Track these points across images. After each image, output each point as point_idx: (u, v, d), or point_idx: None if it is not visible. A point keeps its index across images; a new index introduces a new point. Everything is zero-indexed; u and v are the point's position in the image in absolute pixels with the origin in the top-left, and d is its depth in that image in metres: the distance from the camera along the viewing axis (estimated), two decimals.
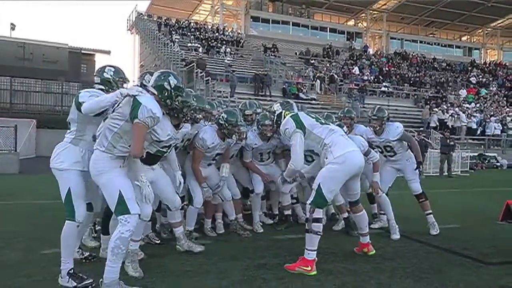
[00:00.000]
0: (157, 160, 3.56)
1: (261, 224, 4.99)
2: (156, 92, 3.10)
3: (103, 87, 3.37)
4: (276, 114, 4.21)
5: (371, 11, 37.47)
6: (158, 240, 4.25)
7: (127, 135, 2.91)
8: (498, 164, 18.95)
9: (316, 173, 3.73)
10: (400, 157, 4.95)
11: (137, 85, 3.88)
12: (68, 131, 3.30)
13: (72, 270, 3.06)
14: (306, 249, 3.50)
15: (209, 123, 4.44)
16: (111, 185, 2.91)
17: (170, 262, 3.65)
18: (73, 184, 3.12)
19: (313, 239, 3.51)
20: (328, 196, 3.58)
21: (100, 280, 2.87)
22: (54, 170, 3.20)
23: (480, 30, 41.46)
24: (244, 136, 4.55)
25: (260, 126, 4.73)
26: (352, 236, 4.66)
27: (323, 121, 3.88)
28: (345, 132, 4.37)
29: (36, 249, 3.96)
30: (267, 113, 4.88)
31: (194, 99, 3.72)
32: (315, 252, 3.49)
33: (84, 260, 3.55)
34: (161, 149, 3.45)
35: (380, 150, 4.97)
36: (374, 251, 3.98)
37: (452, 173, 14.27)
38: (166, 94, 3.12)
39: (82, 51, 27.12)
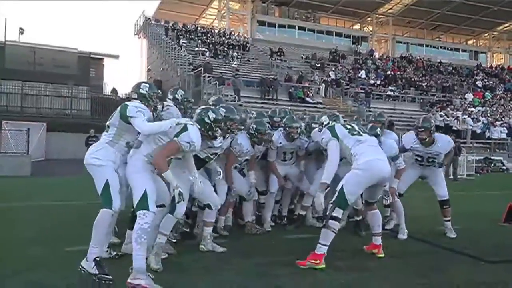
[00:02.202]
0: (203, 165, 4.07)
1: (272, 224, 5.21)
2: (198, 126, 3.58)
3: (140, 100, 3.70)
4: (323, 125, 4.51)
5: (377, 15, 37.59)
6: (174, 239, 4.47)
7: None
8: (504, 167, 18.97)
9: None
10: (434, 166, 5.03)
11: (169, 99, 4.56)
12: (106, 132, 3.63)
13: (98, 258, 3.30)
14: (319, 243, 3.72)
15: (242, 130, 4.77)
16: (141, 182, 3.33)
17: (186, 260, 3.86)
18: (110, 177, 3.43)
19: (328, 235, 3.73)
20: (349, 198, 3.80)
21: (130, 267, 3.14)
22: (90, 166, 3.50)
23: (486, 34, 41.39)
24: (271, 144, 4.99)
25: (287, 128, 5.01)
26: (360, 236, 4.86)
27: (355, 132, 4.08)
28: (379, 134, 4.62)
29: (61, 246, 4.18)
30: (293, 116, 5.33)
31: (237, 114, 4.32)
32: (326, 248, 3.70)
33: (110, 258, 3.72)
34: (210, 155, 3.98)
35: (419, 159, 4.99)
36: (383, 255, 4.11)
37: (458, 177, 14.37)
38: (207, 127, 3.65)
39: (91, 56, 27.46)
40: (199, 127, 3.57)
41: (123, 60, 69.69)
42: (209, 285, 3.29)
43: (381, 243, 4.17)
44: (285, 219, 5.45)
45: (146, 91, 3.74)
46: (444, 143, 4.88)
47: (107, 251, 3.75)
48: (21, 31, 28.04)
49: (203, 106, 3.87)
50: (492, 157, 19.48)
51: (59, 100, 21.71)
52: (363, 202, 4.61)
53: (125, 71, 47.23)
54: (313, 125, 5.13)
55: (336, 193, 3.83)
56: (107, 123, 3.67)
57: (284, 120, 5.18)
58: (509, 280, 3.48)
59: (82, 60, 25.35)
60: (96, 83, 26.74)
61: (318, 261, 3.65)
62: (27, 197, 8.00)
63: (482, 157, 18.82)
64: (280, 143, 5.05)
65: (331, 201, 3.84)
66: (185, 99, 4.69)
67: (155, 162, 3.34)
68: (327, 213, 3.83)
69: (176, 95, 4.65)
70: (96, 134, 13.85)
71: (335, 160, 3.95)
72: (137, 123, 3.43)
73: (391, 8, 36.32)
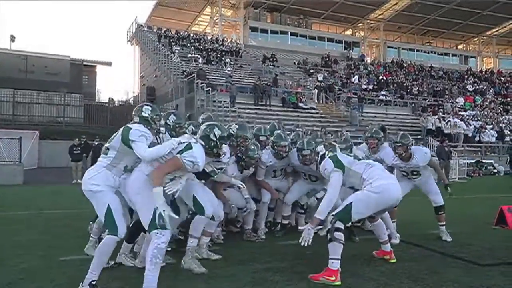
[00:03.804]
0: (207, 178, 4.00)
1: (266, 230, 5.23)
2: (203, 143, 3.47)
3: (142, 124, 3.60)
4: (319, 155, 4.44)
5: (368, 21, 38.00)
6: (169, 248, 4.46)
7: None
8: (495, 170, 19.21)
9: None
10: (422, 176, 5.12)
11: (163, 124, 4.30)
12: (105, 155, 3.52)
13: (94, 282, 3.19)
14: (330, 258, 3.58)
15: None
16: (147, 203, 3.16)
17: (181, 268, 3.83)
18: (110, 201, 3.34)
19: (336, 249, 3.60)
20: (354, 216, 3.72)
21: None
22: (88, 192, 3.41)
23: (476, 39, 42.00)
24: (260, 163, 5.01)
25: (276, 147, 4.98)
26: (354, 242, 4.89)
27: (360, 158, 4.09)
28: (369, 153, 4.75)
29: (56, 256, 4.17)
30: (281, 134, 5.19)
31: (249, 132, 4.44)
32: (339, 262, 3.57)
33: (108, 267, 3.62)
34: (216, 170, 3.90)
35: (405, 174, 5.10)
36: (395, 260, 4.14)
37: (450, 180, 14.48)
38: (212, 144, 3.53)
39: (84, 63, 27.42)
40: (203, 143, 3.47)
41: (116, 67, 69.62)
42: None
43: (392, 249, 4.19)
44: (279, 226, 5.47)
45: (149, 114, 3.64)
46: (420, 156, 4.95)
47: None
48: (12, 38, 27.96)
49: (208, 123, 3.72)
50: (483, 160, 19.70)
51: (51, 107, 21.62)
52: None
53: (118, 78, 47.04)
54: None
55: (342, 207, 3.73)
56: (107, 145, 3.57)
57: (272, 138, 5.14)
58: (502, 283, 3.53)
59: (74, 67, 25.28)
60: (89, 90, 26.72)
61: (334, 278, 3.49)
62: (20, 206, 7.95)
63: (473, 161, 19.03)
64: (271, 161, 5.04)
65: (333, 213, 3.74)
66: (177, 125, 4.43)
67: (152, 174, 3.19)
68: (329, 227, 3.70)
69: (168, 121, 4.41)
70: (82, 141, 13.80)
71: (334, 196, 3.80)
72: (139, 149, 3.34)
73: (382, 14, 36.77)
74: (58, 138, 18.53)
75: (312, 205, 5.05)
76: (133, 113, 3.73)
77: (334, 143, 4.81)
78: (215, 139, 3.53)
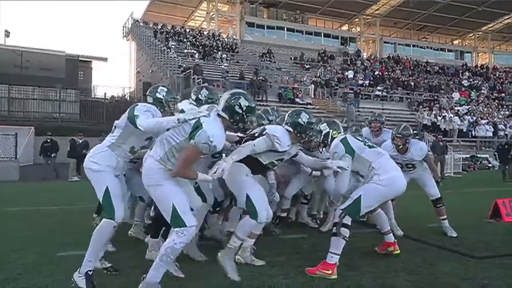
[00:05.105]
0: (265, 172, 3.72)
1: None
2: (227, 116, 3.03)
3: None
4: (323, 134, 4.25)
5: (364, 16, 37.95)
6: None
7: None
8: (490, 165, 19.35)
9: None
10: (417, 169, 5.13)
11: (192, 99, 4.11)
12: (111, 134, 3.36)
13: (91, 272, 3.08)
14: (330, 252, 3.57)
15: None
16: (164, 199, 2.94)
17: (176, 261, 3.85)
18: (110, 183, 3.15)
19: (339, 244, 3.58)
20: (364, 210, 3.67)
21: (143, 275, 2.94)
22: (87, 170, 3.25)
23: (471, 34, 42.08)
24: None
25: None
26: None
27: (370, 144, 3.95)
28: (372, 136, 4.69)
29: (53, 251, 4.17)
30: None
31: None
32: (338, 257, 3.56)
33: (104, 271, 3.48)
34: (274, 161, 3.65)
35: (400, 166, 4.91)
36: (399, 251, 4.11)
37: (445, 175, 14.60)
38: (237, 117, 3.04)
39: (79, 58, 27.22)
40: (226, 116, 3.02)
41: (112, 63, 69.15)
42: (201, 286, 3.31)
43: (395, 240, 4.16)
44: (277, 219, 5.49)
45: (163, 96, 3.49)
46: (416, 151, 4.96)
47: (100, 260, 3.48)
48: (7, 33, 27.70)
49: (232, 91, 3.23)
50: (478, 155, 19.84)
51: (47, 103, 21.49)
52: None
53: (114, 74, 46.76)
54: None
55: (351, 201, 3.65)
56: (114, 124, 3.39)
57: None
58: (496, 275, 3.58)
59: (70, 63, 25.08)
60: (85, 86, 26.55)
61: (330, 271, 3.49)
62: (16, 202, 7.94)
63: (468, 155, 19.16)
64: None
65: (342, 208, 3.69)
66: (210, 100, 4.05)
67: (181, 176, 2.91)
68: (337, 221, 3.63)
69: (200, 95, 4.11)
70: (53, 138, 13.74)
71: (346, 180, 3.74)
72: (139, 119, 3.11)
73: (378, 9, 36.72)
74: (54, 134, 18.44)
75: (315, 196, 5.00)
76: (147, 93, 3.58)
77: (337, 121, 4.65)
78: (241, 111, 3.03)
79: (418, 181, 5.23)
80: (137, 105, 3.31)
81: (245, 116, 3.05)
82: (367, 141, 4.07)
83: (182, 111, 3.72)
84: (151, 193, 3.02)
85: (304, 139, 3.65)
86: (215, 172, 3.00)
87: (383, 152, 3.91)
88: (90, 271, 3.09)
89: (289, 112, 3.72)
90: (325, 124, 4.40)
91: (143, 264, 3.48)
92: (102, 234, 3.12)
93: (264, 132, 3.58)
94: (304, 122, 3.56)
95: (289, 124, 3.58)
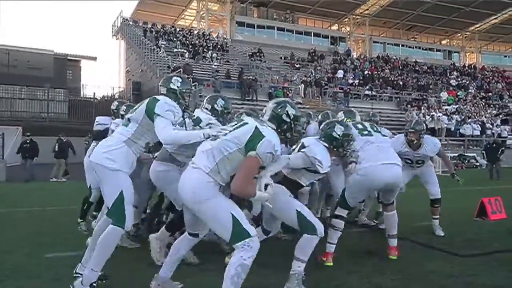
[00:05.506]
0: (295, 191, 3.40)
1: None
2: (274, 126, 2.80)
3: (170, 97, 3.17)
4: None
5: (354, 16, 38.18)
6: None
7: (235, 164, 2.59)
8: (478, 164, 19.62)
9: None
10: (423, 165, 5.11)
11: (206, 109, 3.84)
12: (126, 127, 3.04)
13: (95, 284, 2.86)
14: (327, 242, 3.83)
15: None
16: (222, 212, 2.56)
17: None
18: (125, 187, 2.88)
19: (332, 235, 3.84)
20: (349, 200, 3.87)
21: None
22: (100, 167, 2.90)
23: (459, 34, 42.58)
24: None
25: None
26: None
27: (365, 132, 3.89)
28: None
29: (41, 253, 4.14)
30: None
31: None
32: (334, 246, 3.85)
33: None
34: (315, 181, 3.70)
35: (409, 162, 4.97)
36: (395, 256, 4.08)
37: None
38: (285, 127, 2.84)
39: (68, 58, 27.00)
40: (273, 127, 2.79)
41: (101, 62, 68.57)
42: (195, 285, 3.32)
43: (395, 245, 4.14)
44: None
45: (178, 87, 3.21)
46: (431, 146, 4.90)
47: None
48: None
49: (278, 99, 3.02)
50: (466, 154, 20.09)
51: (35, 103, 21.29)
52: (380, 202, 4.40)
53: (103, 73, 46.37)
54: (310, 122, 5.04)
55: (340, 194, 3.95)
56: (127, 116, 3.10)
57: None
58: (482, 273, 3.65)
59: (58, 62, 24.90)
60: (73, 85, 26.32)
61: (325, 259, 3.84)
62: (3, 203, 7.83)
63: (456, 154, 19.40)
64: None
65: (337, 199, 3.91)
66: (226, 110, 3.90)
67: (241, 193, 2.55)
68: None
69: (216, 105, 3.83)
70: (33, 139, 13.55)
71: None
72: (160, 124, 2.85)
73: (367, 9, 36.96)
74: (42, 134, 18.24)
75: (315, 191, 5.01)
76: (159, 84, 3.30)
77: (354, 111, 4.63)
78: (288, 120, 2.83)
79: (420, 178, 5.21)
80: (158, 99, 3.03)
81: (292, 125, 2.87)
82: (368, 128, 3.95)
83: (198, 119, 3.68)
84: (200, 210, 2.59)
85: (342, 153, 3.32)
86: (265, 189, 2.63)
87: (373, 140, 3.82)
88: (95, 282, 2.87)
89: (323, 124, 3.45)
90: (341, 112, 4.44)
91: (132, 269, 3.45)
92: (110, 242, 2.84)
93: (302, 150, 3.31)
94: (339, 136, 3.26)
95: (323, 139, 3.30)
